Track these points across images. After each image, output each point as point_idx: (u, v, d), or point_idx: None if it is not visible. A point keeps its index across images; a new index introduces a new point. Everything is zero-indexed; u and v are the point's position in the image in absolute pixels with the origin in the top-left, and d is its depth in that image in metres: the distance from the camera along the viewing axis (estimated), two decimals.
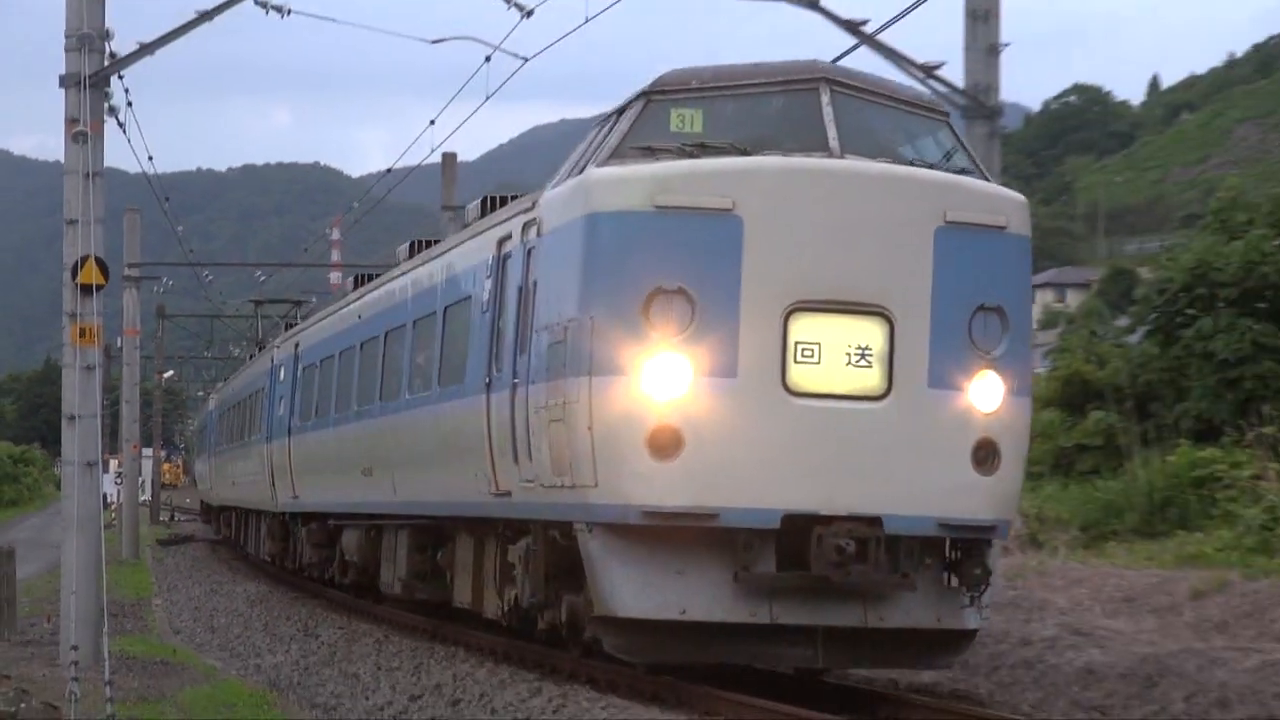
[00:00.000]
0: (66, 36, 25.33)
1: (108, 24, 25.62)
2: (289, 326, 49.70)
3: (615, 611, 18.70)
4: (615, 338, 18.48)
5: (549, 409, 19.48)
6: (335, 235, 73.26)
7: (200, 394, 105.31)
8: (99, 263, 25.74)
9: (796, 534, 18.29)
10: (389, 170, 55.40)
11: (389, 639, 29.52)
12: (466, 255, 24.98)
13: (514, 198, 24.82)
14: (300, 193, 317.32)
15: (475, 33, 29.03)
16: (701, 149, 19.22)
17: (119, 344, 66.75)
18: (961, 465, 18.94)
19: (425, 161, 49.62)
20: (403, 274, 30.45)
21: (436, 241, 30.18)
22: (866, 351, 18.68)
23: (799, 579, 18.54)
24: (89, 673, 23.17)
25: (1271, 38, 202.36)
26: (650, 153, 19.25)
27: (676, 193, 18.57)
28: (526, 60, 30.49)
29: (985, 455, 19.01)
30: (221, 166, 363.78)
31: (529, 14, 26.96)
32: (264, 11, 26.03)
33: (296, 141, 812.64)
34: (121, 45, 25.90)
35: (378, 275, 35.79)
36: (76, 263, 25.58)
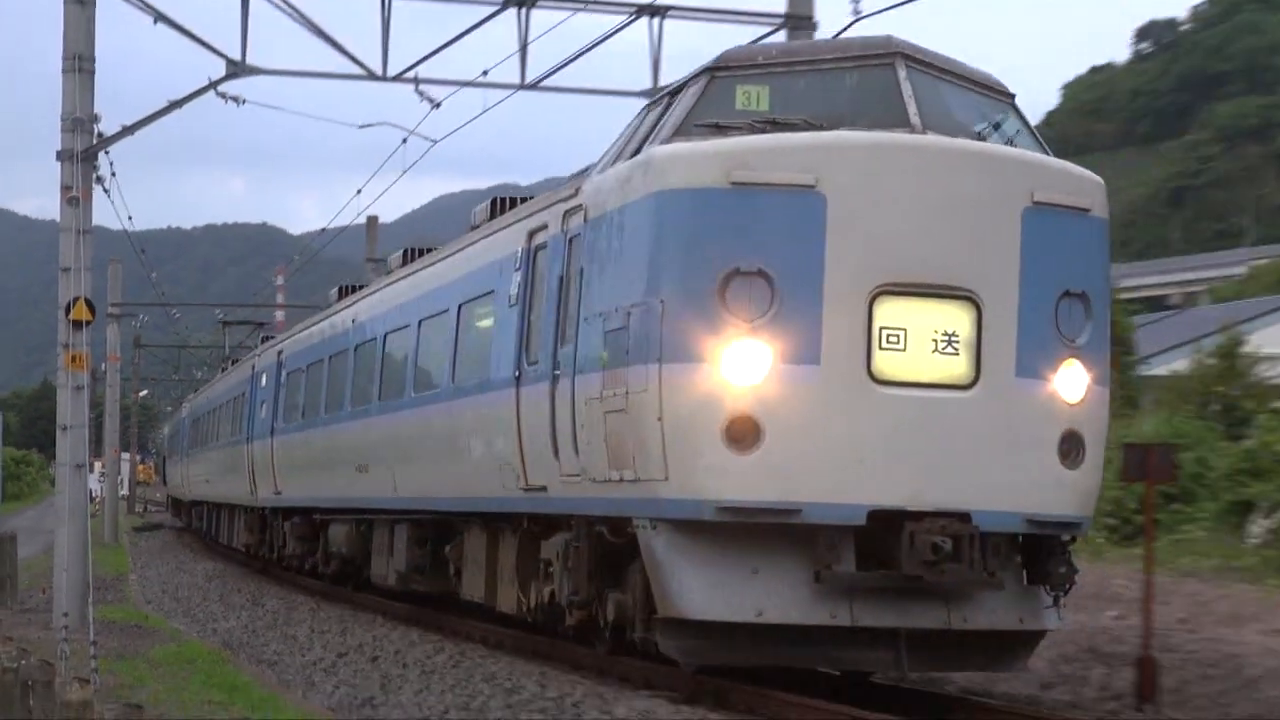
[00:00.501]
0: (62, 119, 25.31)
1: (96, 109, 25.47)
2: (265, 340, 44.06)
3: (685, 613, 14.63)
4: (688, 322, 14.62)
5: (605, 400, 15.55)
6: (279, 281, 72.91)
7: (169, 409, 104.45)
8: (87, 303, 25.65)
9: (880, 531, 14.54)
10: (323, 229, 55.68)
11: (320, 608, 29.41)
12: (487, 251, 20.57)
13: (523, 199, 21.40)
14: (251, 247, 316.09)
15: (395, 120, 28.59)
16: (774, 125, 15.33)
17: (103, 368, 66.19)
18: (1048, 458, 15.24)
19: (352, 222, 49.64)
20: (401, 279, 25.71)
21: (428, 250, 25.89)
22: (953, 338, 14.88)
23: (885, 579, 14.66)
24: (77, 634, 22.99)
25: None
26: (719, 129, 15.32)
27: (755, 168, 14.74)
28: (435, 142, 30.46)
29: (1071, 448, 15.36)
30: (187, 225, 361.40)
31: (437, 105, 26.92)
32: (223, 100, 25.76)
33: (248, 205, 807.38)
34: (107, 125, 25.83)
35: (357, 289, 31.68)
36: (69, 303, 25.44)
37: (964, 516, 14.59)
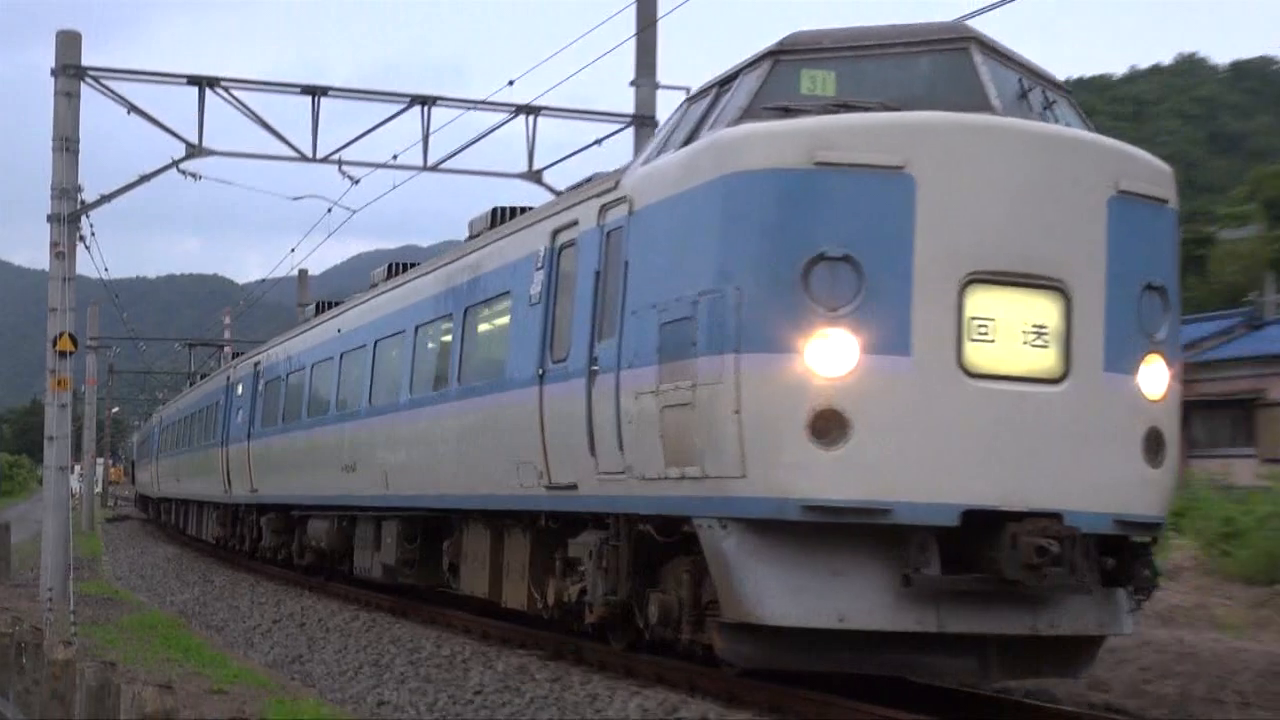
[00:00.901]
0: (52, 189, 25.14)
1: (79, 181, 25.28)
2: (236, 355, 40.06)
3: (761, 618, 11.38)
4: (769, 310, 11.42)
5: (661, 394, 12.22)
6: (227, 321, 72.13)
7: (136, 423, 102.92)
8: (71, 337, 25.43)
9: (970, 532, 11.37)
10: (263, 279, 55.57)
11: (259, 584, 29.15)
12: (501, 254, 16.87)
13: (519, 209, 18.29)
14: (204, 293, 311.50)
15: (322, 193, 28.77)
16: (848, 109, 12.13)
17: (83, 390, 65.37)
18: (1134, 456, 12.27)
19: (287, 274, 49.60)
20: (390, 290, 21.86)
21: (414, 265, 22.76)
22: (1043, 330, 11.82)
23: (977, 582, 11.47)
24: (59, 605, 22.83)
25: None
26: (788, 113, 12.10)
27: (841, 148, 11.59)
28: (354, 211, 30.70)
29: (1154, 445, 12.40)
30: (152, 275, 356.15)
31: (356, 182, 26.98)
32: (183, 175, 25.70)
33: (202, 258, 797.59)
34: (88, 194, 25.66)
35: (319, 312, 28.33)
36: (56, 337, 25.19)
37: (1055, 517, 11.49)
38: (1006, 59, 12.84)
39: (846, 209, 11.52)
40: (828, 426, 11.21)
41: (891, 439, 11.29)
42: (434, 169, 26.47)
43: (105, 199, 25.90)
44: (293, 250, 64.36)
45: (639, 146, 23.87)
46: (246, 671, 17.66)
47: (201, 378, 51.56)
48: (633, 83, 25.07)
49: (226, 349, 58.48)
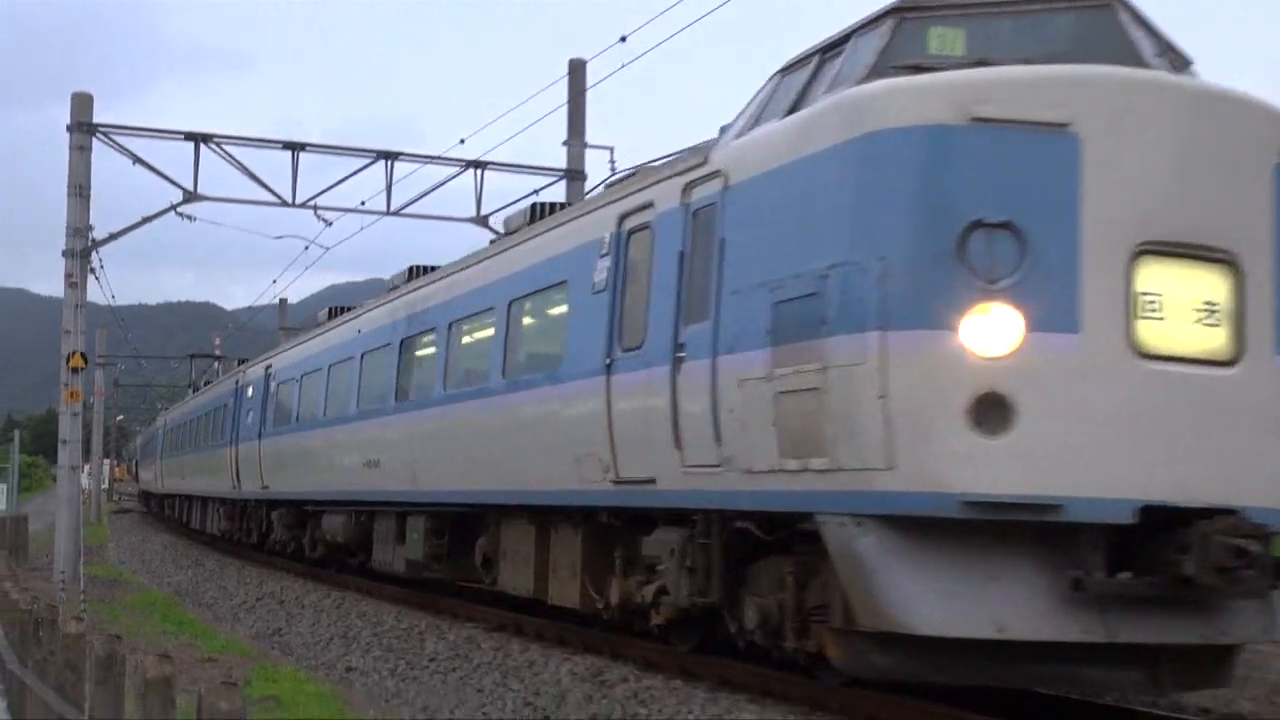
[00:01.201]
0: (67, 228, 24.95)
1: (90, 221, 25.05)
2: (241, 361, 36.62)
3: (908, 626, 8.84)
4: (920, 283, 8.89)
5: (778, 378, 9.57)
6: (217, 342, 71.51)
7: (138, 429, 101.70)
8: (82, 355, 25.18)
9: (1143, 531, 8.80)
10: (249, 306, 55.26)
11: (245, 569, 28.84)
12: (556, 244, 13.91)
13: (557, 204, 16.22)
14: (197, 317, 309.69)
15: (300, 233, 28.70)
16: (984, 66, 9.50)
17: (92, 401, 64.64)
18: None
19: (269, 302, 49.42)
20: (416, 290, 18.83)
21: (432, 268, 19.86)
22: (1214, 307, 9.25)
23: (1152, 586, 8.86)
24: (71, 586, 22.60)
25: None
26: (920, 71, 9.55)
27: (1001, 102, 9.06)
28: (327, 249, 30.65)
29: None
30: (152, 301, 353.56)
31: (329, 224, 26.89)
32: (180, 217, 25.54)
33: (195, 288, 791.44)
34: (98, 232, 25.43)
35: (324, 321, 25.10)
36: (69, 355, 24.92)
37: (1231, 513, 8.91)
38: (1143, 22, 10.31)
39: (1006, 170, 9.01)
40: (989, 412, 8.73)
41: (1060, 426, 8.80)
42: (396, 214, 26.49)
43: (113, 237, 25.71)
44: (274, 281, 64.79)
45: (570, 196, 24.00)
46: (233, 642, 17.49)
47: (205, 384, 48.46)
48: (565, 142, 25.40)
49: (216, 364, 57.99)
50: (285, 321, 49.84)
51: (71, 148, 24.69)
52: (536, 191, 25.81)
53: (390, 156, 25.71)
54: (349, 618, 18.64)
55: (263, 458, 27.15)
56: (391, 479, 18.30)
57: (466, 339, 16.66)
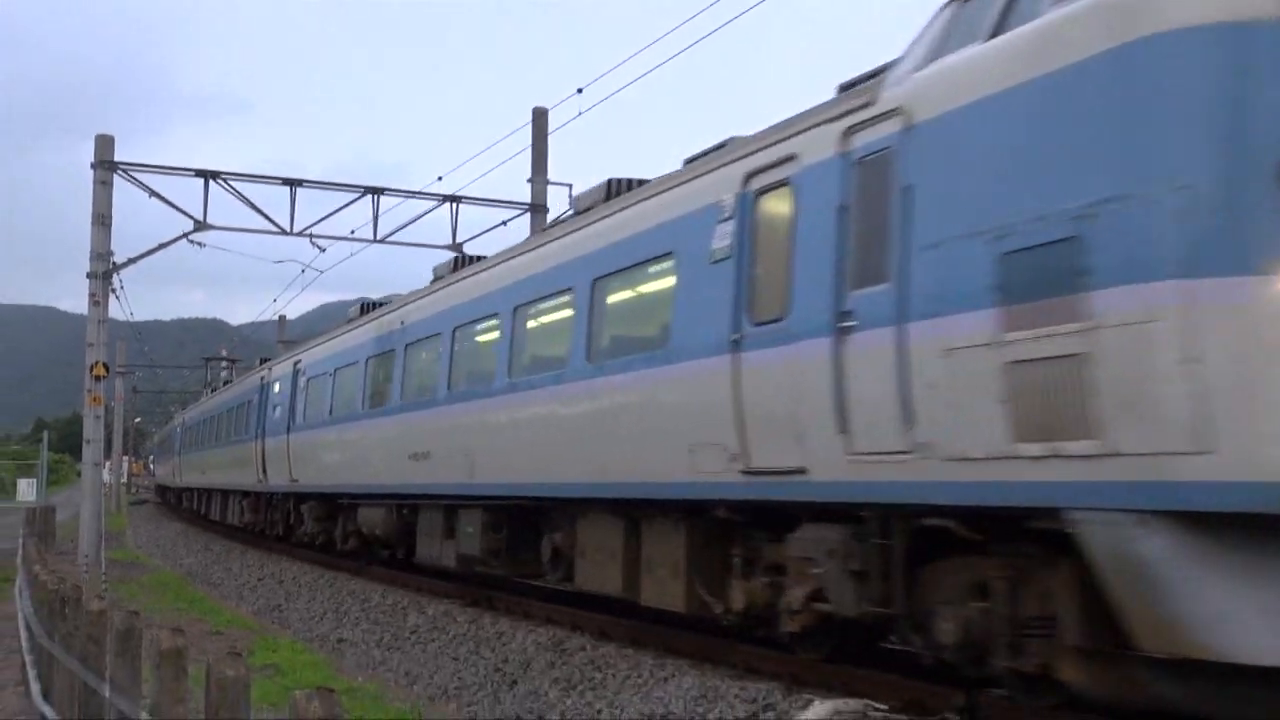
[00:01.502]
0: (90, 253, 24.72)
1: (111, 246, 24.84)
2: (263, 361, 32.36)
3: (1227, 653, 5.91)
4: (1237, 219, 5.93)
5: (1012, 344, 6.76)
6: (223, 352, 70.87)
7: (154, 430, 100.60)
8: (104, 365, 24.83)
9: None
10: (252, 322, 54.76)
11: (248, 553, 28.47)
12: (649, 215, 11.04)
13: (636, 180, 12.78)
14: (206, 333, 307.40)
15: (298, 258, 28.43)
16: None
17: (113, 405, 63.90)
18: None
19: (270, 319, 49.09)
20: (475, 275, 15.43)
21: (478, 258, 16.98)
22: None
23: None
24: (94, 568, 22.22)
25: None
26: None
27: None
28: (321, 272, 30.59)
29: None
30: (167, 318, 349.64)
31: (323, 250, 26.85)
32: (191, 244, 25.41)
33: (205, 306, 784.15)
34: (119, 256, 25.33)
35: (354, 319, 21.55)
36: (92, 365, 24.57)
37: None
38: None
39: None
40: None
41: None
42: (382, 241, 26.39)
43: (131, 261, 25.63)
44: (274, 300, 64.55)
45: (534, 228, 23.97)
46: (238, 618, 17.27)
47: (225, 383, 44.62)
48: (529, 180, 25.50)
49: (228, 367, 57.48)
50: (284, 335, 49.37)
51: (95, 182, 24.61)
52: (504, 222, 25.86)
53: (377, 191, 25.68)
54: (340, 595, 18.42)
55: (292, 452, 23.89)
56: (442, 471, 15.23)
57: (534, 323, 13.48)
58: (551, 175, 25.49)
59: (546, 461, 12.34)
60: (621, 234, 11.50)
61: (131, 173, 24.83)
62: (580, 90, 21.43)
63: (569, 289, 12.33)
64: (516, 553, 14.21)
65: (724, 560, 10.13)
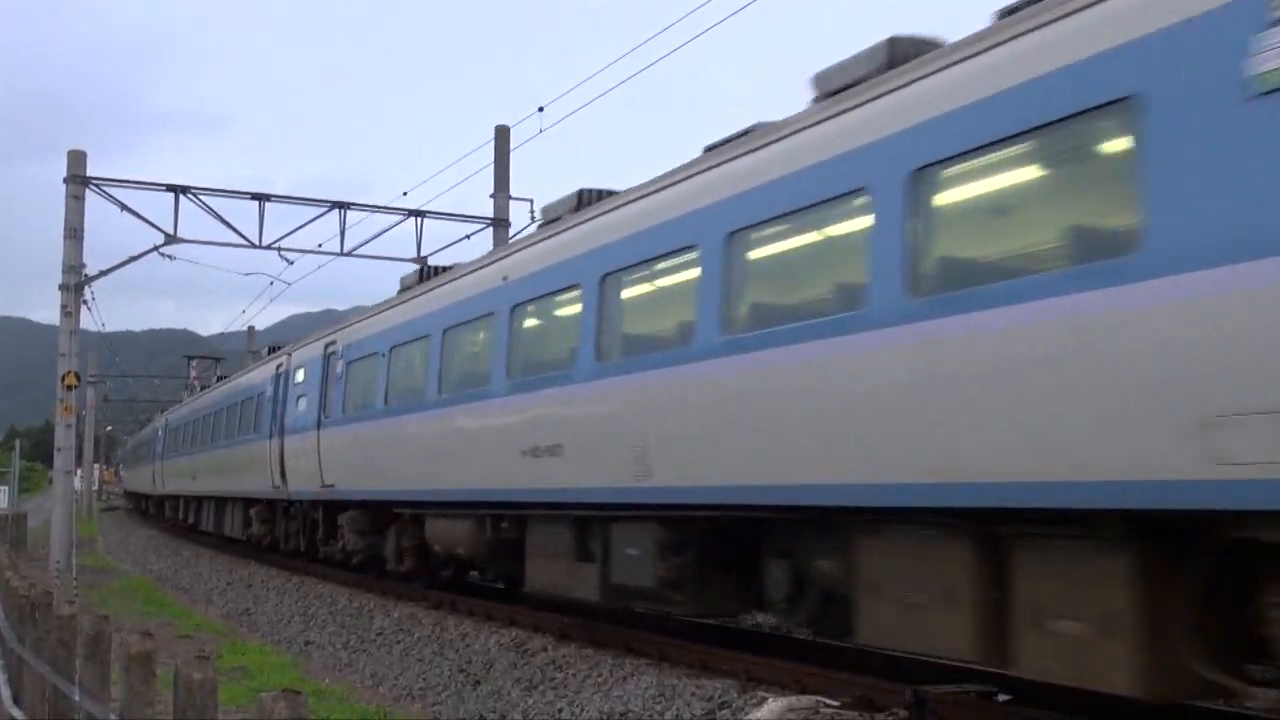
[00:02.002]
0: (63, 265, 24.44)
1: (84, 259, 24.54)
2: (273, 349, 26.52)
3: None
4: None
5: None
6: (192, 363, 70.29)
7: (125, 438, 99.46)
8: (75, 375, 24.52)
9: None
10: (221, 333, 54.36)
11: (216, 558, 28.17)
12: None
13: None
14: (177, 343, 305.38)
15: (266, 270, 28.22)
16: None
17: (84, 414, 63.24)
18: None
19: (239, 329, 48.75)
20: (639, 198, 10.40)
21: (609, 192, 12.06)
22: None
23: None
24: (65, 574, 21.94)
25: None
26: None
27: None
28: (289, 284, 30.38)
29: None
30: (137, 329, 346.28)
31: (291, 263, 26.47)
32: (162, 257, 25.10)
33: (175, 316, 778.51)
34: (90, 269, 24.96)
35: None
36: (64, 375, 24.29)
37: None
38: None
39: None
40: None
41: None
42: (348, 255, 26.24)
43: (103, 273, 25.35)
44: (243, 311, 63.74)
45: (496, 242, 23.99)
46: (207, 621, 17.10)
47: (219, 379, 38.81)
48: (492, 195, 25.52)
49: (194, 380, 56.80)
50: (253, 345, 49.02)
51: (67, 196, 24.34)
52: (468, 236, 25.87)
53: (343, 206, 25.58)
54: (308, 599, 18.28)
55: (324, 451, 18.80)
56: (585, 470, 10.70)
57: (758, 253, 8.94)
58: (514, 190, 25.53)
59: (820, 451, 7.79)
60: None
61: (103, 187, 24.59)
62: (541, 108, 21.45)
63: (861, 189, 7.72)
64: (709, 583, 9.92)
65: (1244, 611, 5.89)
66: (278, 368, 23.02)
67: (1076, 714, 7.45)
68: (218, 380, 36.86)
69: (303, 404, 20.67)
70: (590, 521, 11.01)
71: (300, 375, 21.17)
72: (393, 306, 16.68)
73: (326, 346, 19.35)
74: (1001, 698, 7.96)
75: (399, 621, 14.85)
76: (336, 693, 11.93)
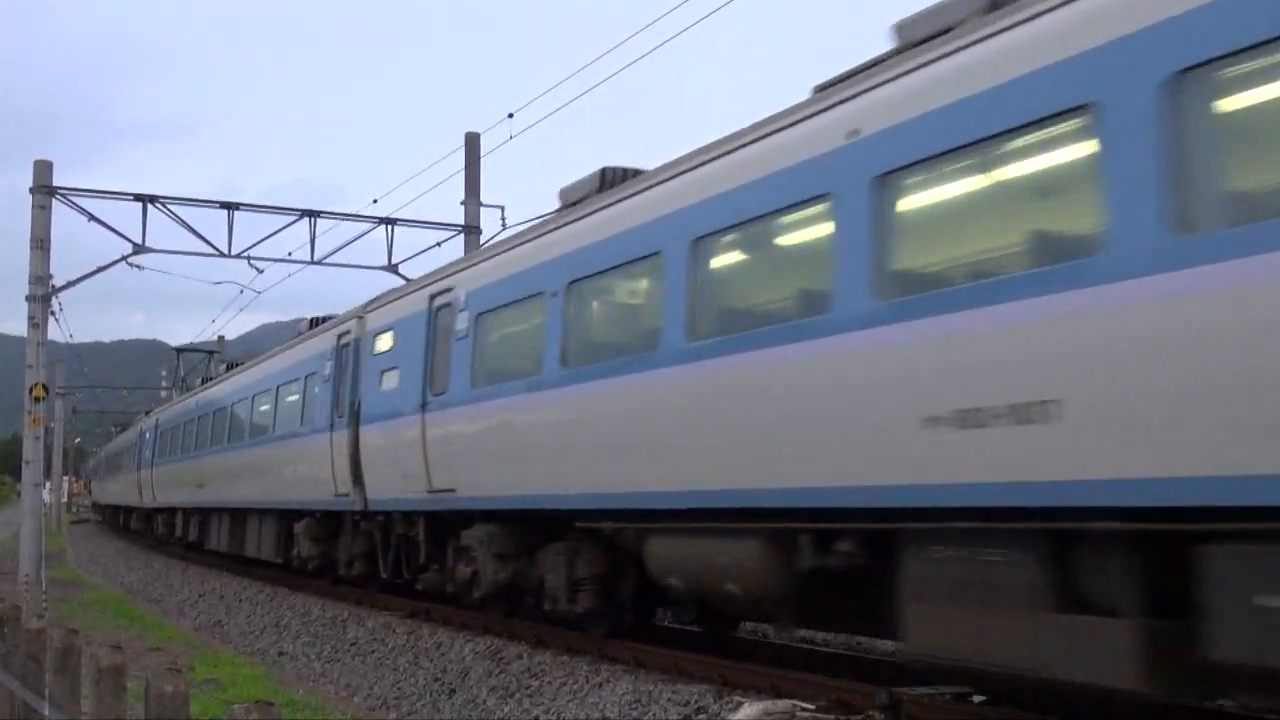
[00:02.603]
0: (30, 276, 24.23)
1: (51, 270, 24.33)
2: (316, 322, 20.18)
3: None
4: None
5: None
6: (164, 373, 69.93)
7: (95, 450, 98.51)
8: (44, 387, 24.32)
9: None
10: (191, 344, 54.03)
11: (188, 570, 27.97)
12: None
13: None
14: (146, 353, 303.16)
15: (236, 279, 28.11)
16: None
17: (53, 426, 62.78)
18: None
19: (210, 339, 48.58)
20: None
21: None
22: None
23: None
24: (34, 588, 21.74)
25: None
26: None
27: None
28: (259, 293, 30.23)
29: None
30: (106, 339, 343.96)
31: (261, 272, 26.45)
32: (130, 266, 25.01)
33: (144, 327, 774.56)
34: (58, 280, 24.71)
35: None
36: (32, 386, 24.07)
37: None
38: None
39: None
40: None
41: None
42: (319, 263, 26.12)
43: (70, 284, 25.11)
44: (213, 321, 63.86)
45: (467, 249, 23.94)
46: (179, 633, 16.95)
47: (204, 382, 34.23)
48: (462, 202, 25.45)
49: (163, 395, 56.34)
50: (224, 356, 48.73)
51: (34, 207, 24.18)
52: (439, 244, 25.82)
53: (313, 214, 25.43)
54: (280, 609, 18.15)
55: (434, 443, 13.47)
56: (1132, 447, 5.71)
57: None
58: (484, 197, 25.46)
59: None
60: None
61: (70, 197, 24.43)
62: (511, 115, 21.49)
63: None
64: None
65: None
66: (340, 338, 17.37)
67: (1051, 714, 7.47)
68: (227, 369, 30.26)
69: (391, 380, 15.09)
70: (1100, 543, 6.04)
71: (385, 342, 15.54)
72: (565, 224, 11.37)
73: (433, 298, 14.03)
74: (977, 699, 7.98)
75: (373, 631, 14.76)
76: (311, 703, 11.84)
